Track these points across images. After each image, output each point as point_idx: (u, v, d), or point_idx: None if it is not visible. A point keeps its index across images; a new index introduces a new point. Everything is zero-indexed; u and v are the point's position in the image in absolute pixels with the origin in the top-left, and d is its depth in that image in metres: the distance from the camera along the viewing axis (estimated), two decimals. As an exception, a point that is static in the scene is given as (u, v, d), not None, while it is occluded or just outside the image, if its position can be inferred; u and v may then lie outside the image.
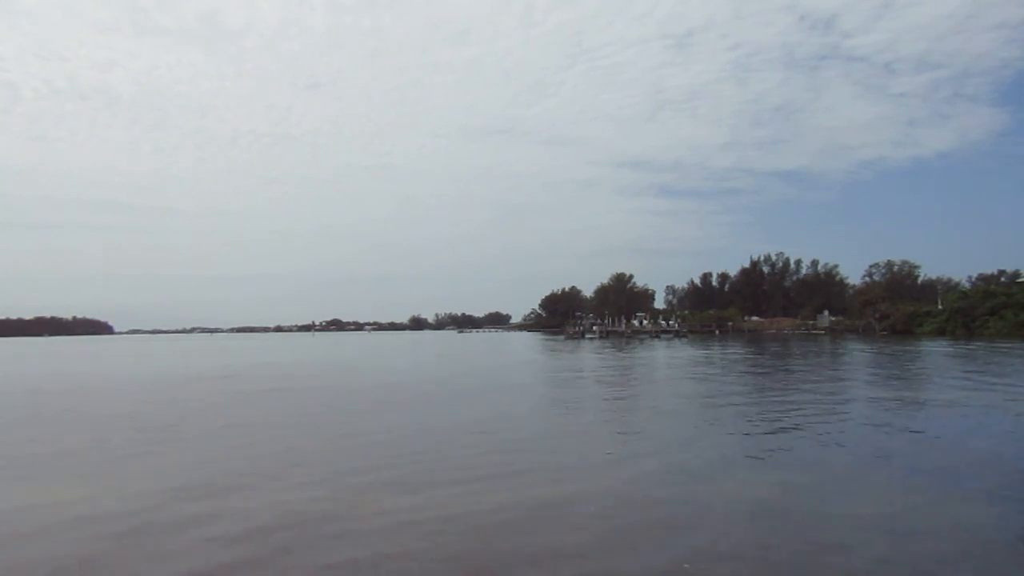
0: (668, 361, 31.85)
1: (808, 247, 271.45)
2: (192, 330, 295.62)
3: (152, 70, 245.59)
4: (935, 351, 36.43)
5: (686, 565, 5.07)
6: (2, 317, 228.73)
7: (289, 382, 23.12)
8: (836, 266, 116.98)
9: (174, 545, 5.66)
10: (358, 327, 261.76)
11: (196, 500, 7.09)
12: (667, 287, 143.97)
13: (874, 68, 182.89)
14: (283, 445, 10.37)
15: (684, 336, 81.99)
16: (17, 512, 6.84)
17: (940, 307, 74.56)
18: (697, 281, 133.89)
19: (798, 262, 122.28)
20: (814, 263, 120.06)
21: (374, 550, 5.50)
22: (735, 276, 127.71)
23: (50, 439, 11.37)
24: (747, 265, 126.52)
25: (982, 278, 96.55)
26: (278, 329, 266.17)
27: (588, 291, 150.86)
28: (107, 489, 7.66)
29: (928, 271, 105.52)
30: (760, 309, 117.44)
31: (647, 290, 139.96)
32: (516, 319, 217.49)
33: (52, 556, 5.48)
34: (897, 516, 6.30)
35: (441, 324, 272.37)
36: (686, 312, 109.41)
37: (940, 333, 65.14)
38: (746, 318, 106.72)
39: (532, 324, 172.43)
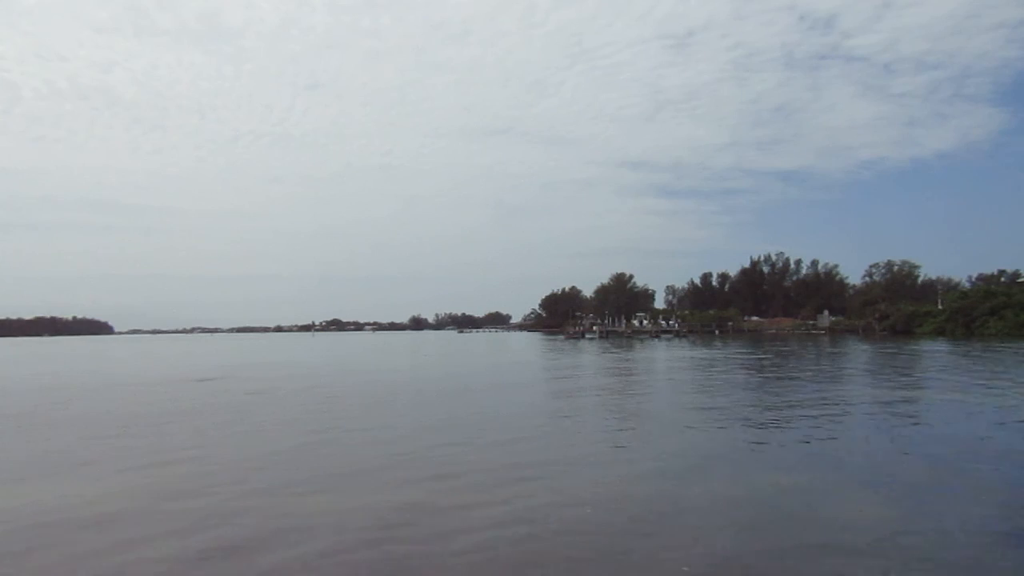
0: (668, 362, 31.87)
1: (808, 247, 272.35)
2: (192, 330, 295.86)
3: (152, 70, 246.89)
4: (935, 351, 36.45)
5: (685, 568, 5.11)
6: (2, 317, 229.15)
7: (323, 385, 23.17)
8: (836, 266, 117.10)
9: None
10: (358, 327, 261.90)
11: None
12: (667, 287, 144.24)
13: (874, 68, 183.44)
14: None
15: (684, 336, 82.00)
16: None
17: (940, 307, 74.57)
18: (697, 281, 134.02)
19: (798, 262, 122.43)
20: (814, 263, 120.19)
21: (356, 546, 5.55)
22: (735, 276, 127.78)
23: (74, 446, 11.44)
24: (747, 265, 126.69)
25: (982, 278, 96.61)
26: (278, 329, 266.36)
27: (588, 291, 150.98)
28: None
29: (928, 271, 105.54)
30: (760, 309, 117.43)
31: (647, 290, 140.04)
32: (516, 319, 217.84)
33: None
34: (897, 517, 6.33)
35: (441, 324, 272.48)
36: (686, 312, 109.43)
37: (940, 333, 65.12)
38: (746, 318, 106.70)
39: (532, 324, 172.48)
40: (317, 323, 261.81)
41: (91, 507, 7.10)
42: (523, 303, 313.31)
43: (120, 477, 8.52)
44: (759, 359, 32.35)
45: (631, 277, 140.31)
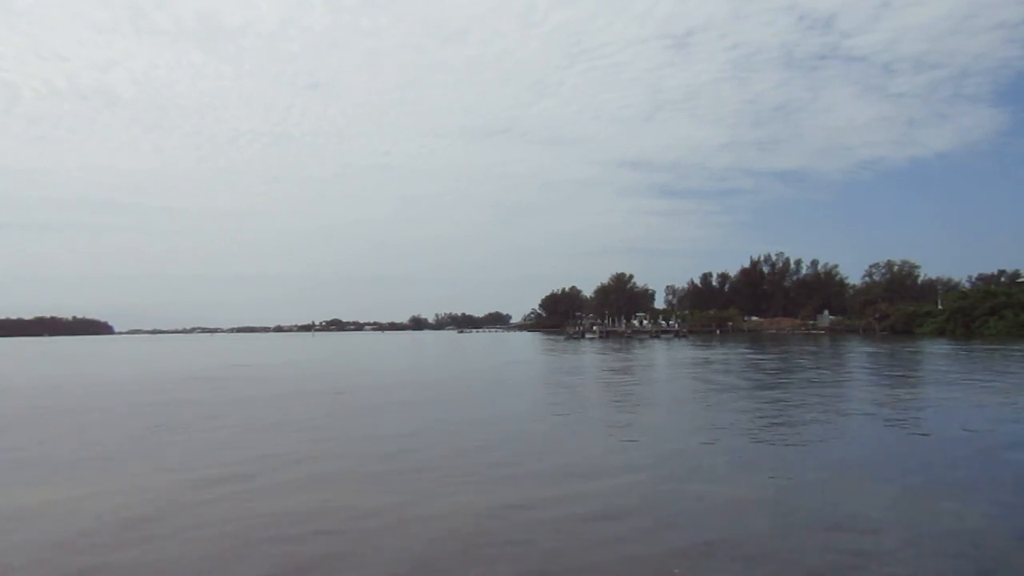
0: (668, 362, 31.87)
1: (808, 247, 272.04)
2: (192, 330, 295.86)
3: (151, 70, 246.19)
4: (935, 351, 36.43)
5: (676, 571, 5.10)
6: (2, 317, 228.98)
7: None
8: (836, 266, 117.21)
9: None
10: (358, 327, 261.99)
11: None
12: (667, 287, 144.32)
13: (873, 68, 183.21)
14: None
15: (684, 336, 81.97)
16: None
17: (940, 307, 74.55)
18: (697, 281, 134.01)
19: (798, 262, 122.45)
20: (814, 263, 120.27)
21: (363, 546, 5.55)
22: (735, 276, 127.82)
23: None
24: (747, 265, 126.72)
25: (982, 278, 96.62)
26: (278, 329, 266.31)
27: (588, 291, 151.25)
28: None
29: (928, 271, 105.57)
30: (760, 309, 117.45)
31: (647, 290, 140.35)
32: (516, 319, 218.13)
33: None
34: (895, 517, 6.31)
35: (441, 324, 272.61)
36: (686, 312, 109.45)
37: (940, 333, 65.12)
38: (746, 318, 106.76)
39: (532, 324, 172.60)
40: (317, 323, 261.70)
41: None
42: (523, 303, 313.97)
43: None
44: (760, 359, 32.34)
45: (631, 277, 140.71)
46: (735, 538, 5.81)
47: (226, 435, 11.82)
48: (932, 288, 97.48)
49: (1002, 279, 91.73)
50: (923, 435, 10.80)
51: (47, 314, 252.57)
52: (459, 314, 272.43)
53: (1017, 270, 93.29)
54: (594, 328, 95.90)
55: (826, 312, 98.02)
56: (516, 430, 11.97)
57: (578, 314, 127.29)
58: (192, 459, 9.59)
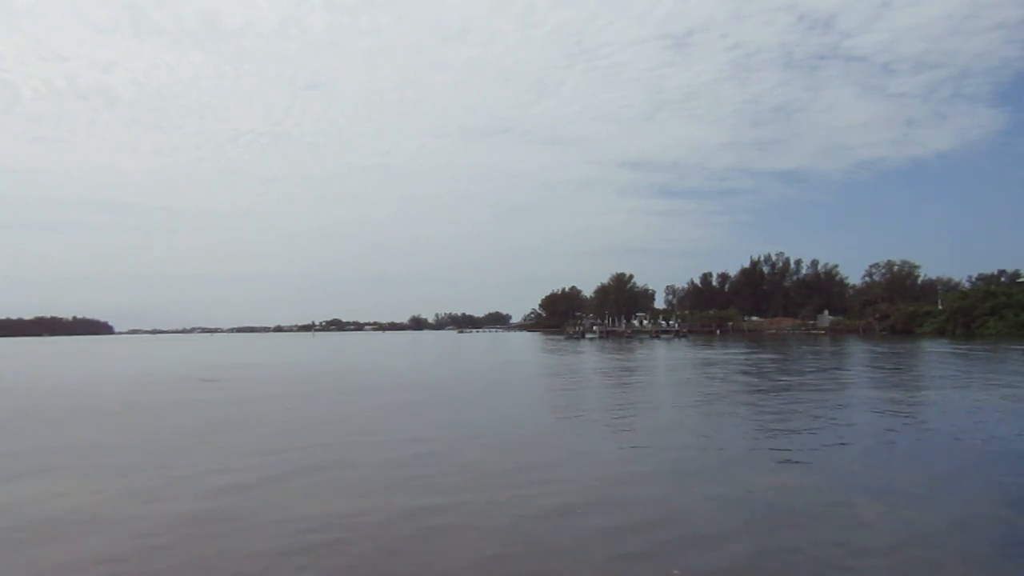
0: (670, 362, 31.89)
1: (808, 247, 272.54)
2: (192, 330, 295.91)
3: (151, 70, 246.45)
4: (936, 351, 36.44)
5: (675, 572, 5.14)
6: (2, 317, 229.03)
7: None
8: (836, 266, 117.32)
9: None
10: (358, 327, 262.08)
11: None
12: (667, 287, 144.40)
13: (873, 68, 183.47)
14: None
15: (684, 336, 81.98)
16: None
17: (940, 307, 74.58)
18: (697, 281, 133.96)
19: (798, 262, 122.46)
20: (814, 263, 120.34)
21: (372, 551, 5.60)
22: (735, 276, 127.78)
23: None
24: (747, 265, 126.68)
25: (982, 278, 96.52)
26: (278, 329, 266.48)
27: (588, 291, 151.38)
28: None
29: (928, 271, 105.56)
30: (760, 309, 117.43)
31: (647, 290, 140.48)
32: (516, 319, 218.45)
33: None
34: (899, 517, 6.33)
35: (441, 324, 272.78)
36: (686, 312, 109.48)
37: (940, 333, 65.19)
38: (746, 318, 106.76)
39: (532, 324, 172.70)
40: (317, 323, 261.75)
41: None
42: (523, 303, 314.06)
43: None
44: (761, 360, 32.36)
45: (631, 277, 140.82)
46: (734, 539, 5.82)
47: (227, 438, 11.88)
48: (932, 288, 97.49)
49: (1002, 279, 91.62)
50: (922, 436, 10.82)
51: (47, 314, 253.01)
52: (459, 314, 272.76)
53: (1017, 270, 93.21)
54: (594, 328, 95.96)
55: (826, 312, 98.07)
56: (519, 434, 11.97)
57: (578, 314, 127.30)
58: (194, 464, 9.64)
